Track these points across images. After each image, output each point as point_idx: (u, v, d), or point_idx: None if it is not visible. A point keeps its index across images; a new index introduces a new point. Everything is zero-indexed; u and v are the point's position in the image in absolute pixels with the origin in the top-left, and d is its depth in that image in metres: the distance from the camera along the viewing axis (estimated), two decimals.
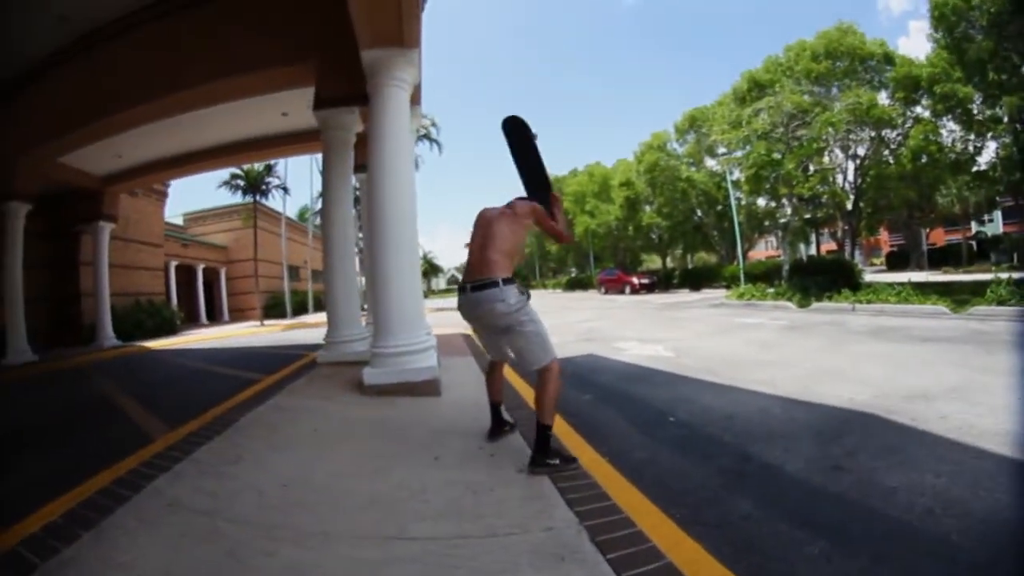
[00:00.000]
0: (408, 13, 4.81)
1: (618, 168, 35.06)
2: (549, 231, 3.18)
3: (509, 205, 3.08)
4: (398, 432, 3.53)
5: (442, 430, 3.48)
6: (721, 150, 23.54)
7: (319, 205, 26.42)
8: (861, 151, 22.03)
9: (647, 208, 30.96)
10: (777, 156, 15.85)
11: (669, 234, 31.24)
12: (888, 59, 20.79)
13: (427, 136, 25.46)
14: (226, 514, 2.37)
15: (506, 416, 3.36)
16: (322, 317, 20.59)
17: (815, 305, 11.19)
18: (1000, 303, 8.07)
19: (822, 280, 12.46)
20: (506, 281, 2.79)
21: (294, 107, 9.01)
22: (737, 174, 21.01)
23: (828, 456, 2.80)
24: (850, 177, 22.97)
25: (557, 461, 2.70)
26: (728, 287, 20.05)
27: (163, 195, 19.35)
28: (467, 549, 1.93)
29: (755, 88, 21.06)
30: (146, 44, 8.09)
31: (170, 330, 17.36)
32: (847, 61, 20.86)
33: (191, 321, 22.49)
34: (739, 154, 19.47)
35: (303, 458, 3.10)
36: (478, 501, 2.33)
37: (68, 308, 14.63)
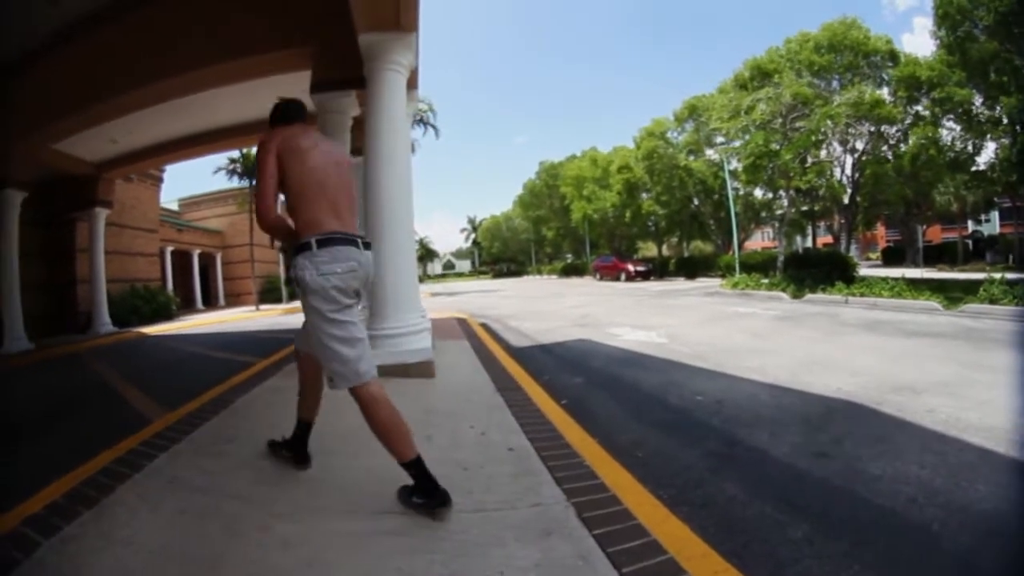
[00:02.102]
0: None
1: (617, 154, 34.67)
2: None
3: (330, 147, 2.45)
4: None
5: (435, 410, 3.53)
6: (719, 139, 23.41)
7: None
8: (860, 145, 22.05)
9: (645, 196, 30.79)
10: (775, 147, 15.78)
11: (666, 222, 31.06)
12: (893, 56, 20.77)
13: (423, 120, 25.17)
14: (223, 490, 2.44)
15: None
16: None
17: (809, 296, 11.26)
18: (992, 301, 8.13)
19: (817, 272, 12.54)
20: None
21: (292, 91, 8.84)
22: (735, 164, 20.89)
23: (814, 443, 2.85)
24: (848, 171, 23.00)
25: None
26: (723, 276, 20.03)
27: (158, 180, 19.17)
28: (456, 523, 1.98)
29: (757, 76, 20.95)
30: (140, 28, 7.99)
31: (166, 316, 17.30)
32: (850, 55, 20.85)
33: (187, 306, 22.38)
34: (737, 144, 19.35)
35: None
36: (468, 477, 2.38)
37: (64, 295, 14.53)
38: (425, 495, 2.07)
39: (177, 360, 8.04)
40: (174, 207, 27.12)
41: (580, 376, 4.81)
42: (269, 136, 2.24)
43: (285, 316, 15.82)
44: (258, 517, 2.14)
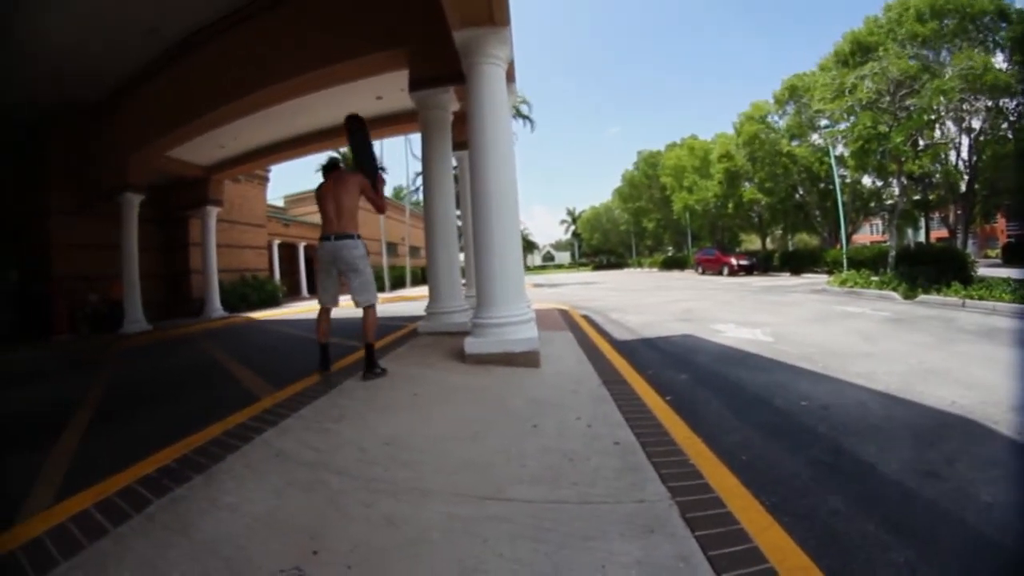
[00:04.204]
0: None
1: (717, 141, 33.36)
2: (371, 201, 4.67)
3: (337, 178, 4.36)
4: (497, 400, 3.62)
5: (540, 400, 3.54)
6: (823, 122, 21.65)
7: (416, 184, 27.20)
8: (976, 124, 19.60)
9: (747, 184, 29.30)
10: (884, 128, 14.39)
11: (770, 213, 29.50)
12: (1003, 15, 18.24)
13: (519, 113, 25.25)
14: (329, 466, 2.53)
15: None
16: (420, 291, 21.11)
17: (921, 297, 10.33)
18: None
19: (930, 270, 11.45)
20: (358, 236, 4.27)
21: (388, 90, 9.28)
22: (841, 148, 19.30)
23: (924, 460, 2.62)
24: (964, 154, 20.59)
25: (379, 370, 4.28)
26: (830, 272, 18.68)
27: (264, 180, 20.75)
28: (560, 513, 1.98)
29: (859, 51, 19.23)
30: (240, 42, 8.70)
31: (273, 302, 18.62)
32: (956, 19, 18.50)
33: (293, 294, 24.00)
34: (843, 126, 17.79)
35: (403, 420, 3.23)
36: (574, 468, 2.37)
37: (179, 284, 16.13)
38: (380, 367, 4.34)
39: (284, 343, 8.56)
40: (281, 204, 29.09)
41: (684, 372, 4.72)
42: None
43: (386, 304, 16.34)
44: (363, 495, 2.20)
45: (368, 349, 4.29)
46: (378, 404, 3.62)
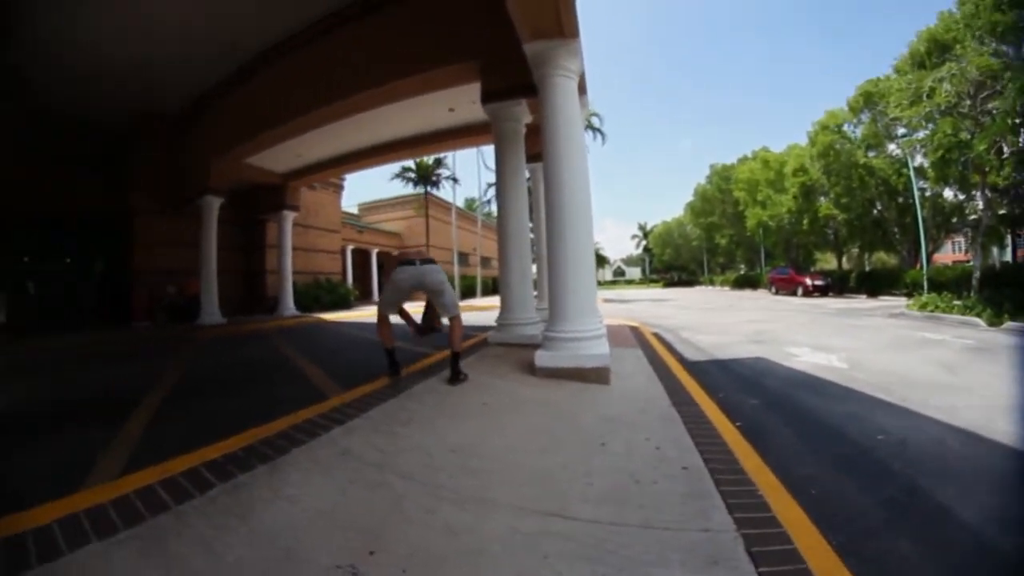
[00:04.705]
0: (564, 5, 4.87)
1: (791, 153, 31.73)
2: None
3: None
4: (566, 414, 3.61)
5: (610, 417, 3.52)
6: (901, 130, 20.02)
7: (488, 195, 27.63)
8: None
9: (822, 199, 27.68)
10: (966, 135, 13.23)
11: (847, 229, 27.45)
12: None
13: (590, 126, 25.10)
14: (394, 469, 2.57)
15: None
16: (490, 300, 21.34)
17: (1008, 324, 9.60)
18: None
19: (1017, 294, 10.64)
20: (435, 262, 4.71)
21: (460, 102, 9.51)
22: (920, 159, 18.05)
23: (1007, 509, 2.45)
24: None
25: (463, 376, 4.57)
26: (909, 295, 17.66)
27: (339, 187, 21.77)
28: (623, 536, 1.97)
29: (935, 50, 17.56)
30: (316, 56, 9.16)
31: (345, 305, 19.40)
32: None
33: (365, 298, 24.94)
34: (921, 135, 16.44)
35: (471, 428, 3.27)
36: (640, 491, 2.35)
37: (255, 282, 17.15)
38: (456, 375, 4.55)
39: (354, 345, 8.80)
40: (355, 211, 30.37)
41: (755, 397, 4.62)
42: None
43: None
44: (426, 500, 2.22)
45: (455, 356, 4.62)
46: (447, 411, 3.68)
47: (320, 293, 18.41)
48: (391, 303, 4.72)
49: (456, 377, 4.52)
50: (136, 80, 10.59)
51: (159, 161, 13.48)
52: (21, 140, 11.62)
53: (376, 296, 25.75)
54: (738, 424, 3.59)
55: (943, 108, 13.76)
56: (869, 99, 23.64)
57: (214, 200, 12.80)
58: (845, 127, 25.94)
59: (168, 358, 7.41)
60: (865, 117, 24.54)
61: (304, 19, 8.91)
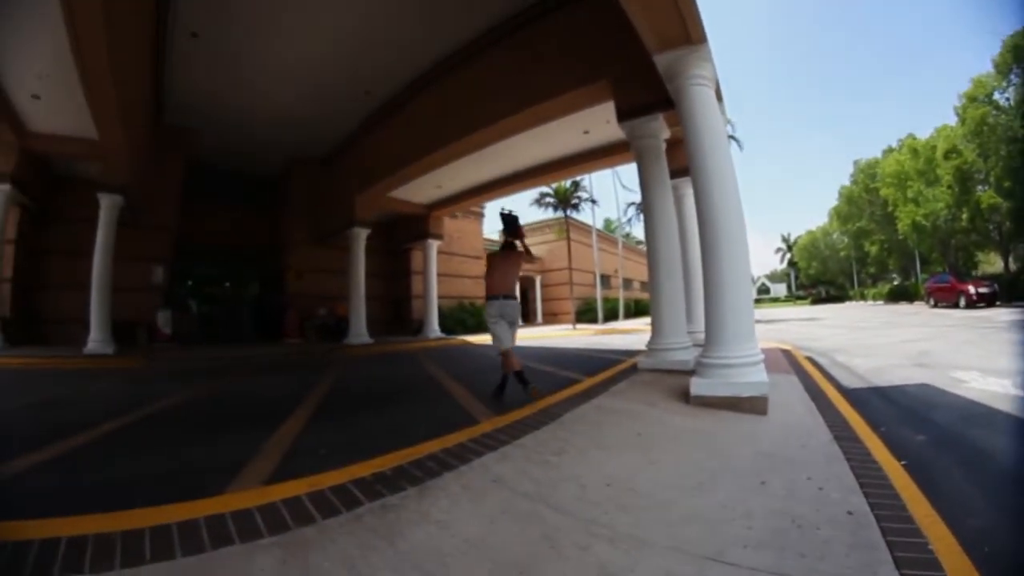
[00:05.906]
0: (686, 9, 4.67)
1: (940, 135, 27.54)
2: (525, 259, 5.91)
3: (507, 256, 5.69)
4: (723, 448, 3.40)
5: (769, 453, 3.27)
6: None
7: (626, 216, 27.33)
8: None
9: (981, 189, 23.67)
10: None
11: (1013, 221, 23.35)
12: None
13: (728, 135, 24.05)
14: (547, 500, 2.48)
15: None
16: (633, 323, 21.40)
17: None
18: None
19: None
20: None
21: (594, 124, 9.56)
22: None
23: None
24: None
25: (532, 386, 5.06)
26: None
27: (480, 215, 23.19)
28: None
29: None
30: (451, 91, 9.70)
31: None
32: None
33: None
34: None
35: (626, 460, 3.13)
36: (802, 537, 2.13)
37: (401, 306, 18.60)
38: (524, 384, 5.07)
39: (496, 367, 8.96)
40: (495, 237, 31.70)
41: (922, 432, 3.99)
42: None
43: (600, 336, 16.49)
44: (579, 535, 2.12)
45: (519, 374, 5.19)
46: (601, 441, 3.56)
47: (464, 316, 19.40)
48: (505, 337, 5.33)
49: (525, 387, 5.10)
50: (290, 133, 12.72)
51: (310, 198, 15.70)
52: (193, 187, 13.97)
53: (520, 321, 26.41)
54: (904, 463, 3.10)
55: None
56: (1020, 54, 19.79)
57: (361, 231, 14.10)
58: (995, 95, 21.90)
59: (320, 372, 8.09)
60: (1015, 78, 20.54)
61: (432, 58, 9.74)
